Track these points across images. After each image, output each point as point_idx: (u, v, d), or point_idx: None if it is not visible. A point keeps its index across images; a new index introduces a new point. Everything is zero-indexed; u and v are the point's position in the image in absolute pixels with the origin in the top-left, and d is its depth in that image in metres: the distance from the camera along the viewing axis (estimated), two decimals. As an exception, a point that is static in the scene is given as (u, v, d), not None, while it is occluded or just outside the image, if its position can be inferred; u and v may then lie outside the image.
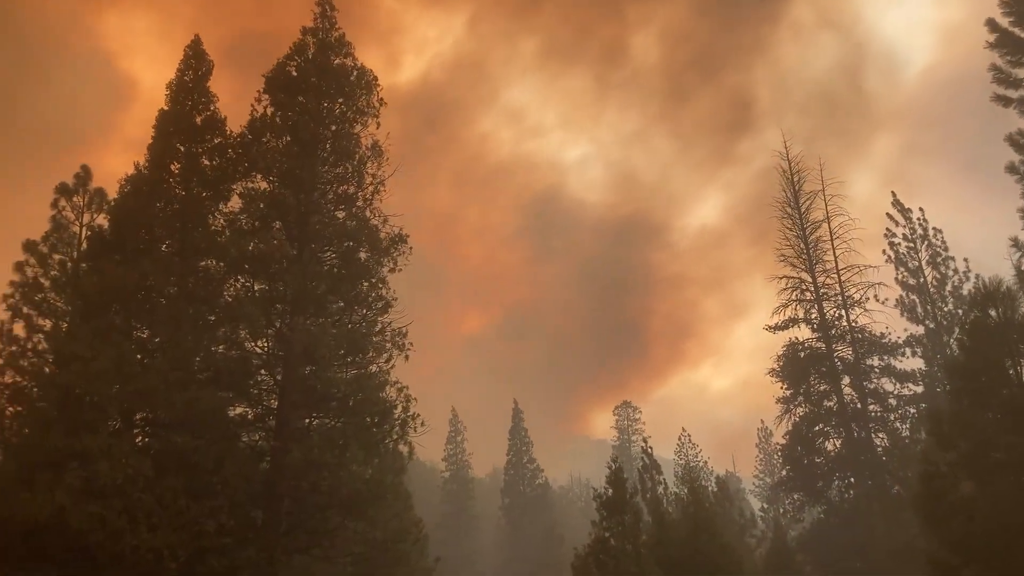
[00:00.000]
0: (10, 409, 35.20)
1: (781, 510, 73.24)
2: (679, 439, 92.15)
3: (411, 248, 37.77)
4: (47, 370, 35.71)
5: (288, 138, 37.96)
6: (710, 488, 59.33)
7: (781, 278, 58.12)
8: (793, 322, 57.26)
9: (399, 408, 35.57)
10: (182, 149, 37.51)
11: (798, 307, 57.44)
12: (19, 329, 36.65)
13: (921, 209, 60.31)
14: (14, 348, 35.76)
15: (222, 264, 36.23)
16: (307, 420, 36.21)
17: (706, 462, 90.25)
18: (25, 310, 36.64)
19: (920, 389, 54.87)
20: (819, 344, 56.53)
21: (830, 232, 57.83)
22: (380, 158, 38.50)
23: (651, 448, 47.48)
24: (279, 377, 35.97)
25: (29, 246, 36.63)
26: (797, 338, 57.11)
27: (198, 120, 37.94)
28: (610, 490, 34.33)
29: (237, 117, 38.49)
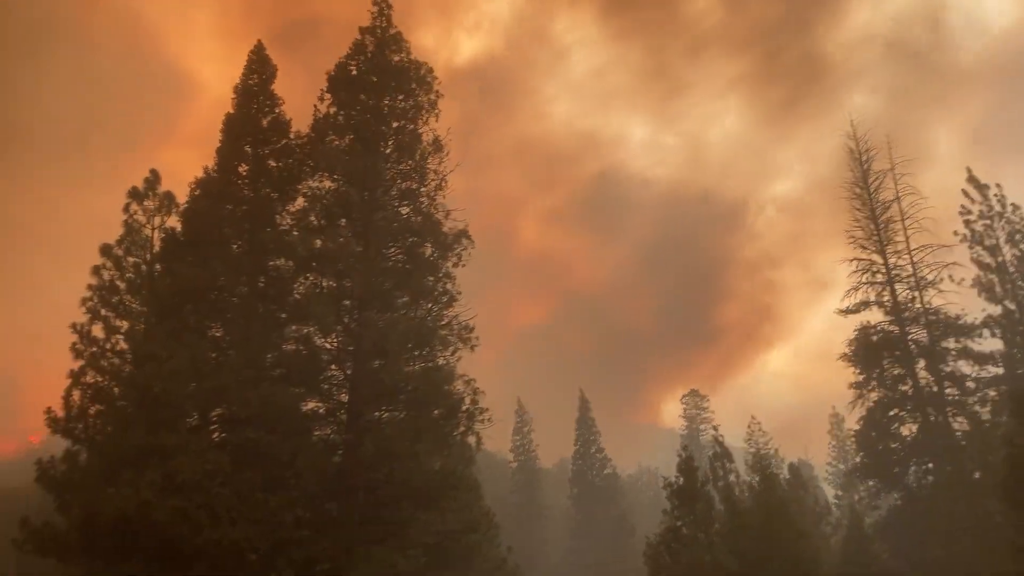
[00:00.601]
0: (93, 408, 36.49)
1: (856, 497, 71.82)
2: (749, 427, 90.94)
3: (474, 244, 37.94)
4: (126, 370, 36.92)
5: (351, 136, 38.47)
6: (782, 476, 58.46)
7: (851, 260, 56.84)
8: (865, 305, 55.94)
9: (467, 400, 35.84)
10: (249, 151, 38.28)
11: (869, 290, 56.10)
12: (98, 331, 38.00)
13: (998, 185, 58.26)
14: (94, 349, 37.08)
15: (291, 263, 36.91)
16: (377, 413, 36.72)
17: (776, 450, 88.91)
18: (103, 312, 37.97)
19: (1000, 371, 53.09)
20: (892, 327, 55.12)
21: (901, 212, 56.28)
22: (441, 153, 38.76)
23: (722, 436, 46.98)
24: (349, 372, 36.55)
25: (105, 250, 37.85)
26: (869, 321, 55.80)
27: (264, 123, 38.67)
28: (681, 479, 34.12)
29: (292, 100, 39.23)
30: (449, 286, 37.44)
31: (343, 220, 37.59)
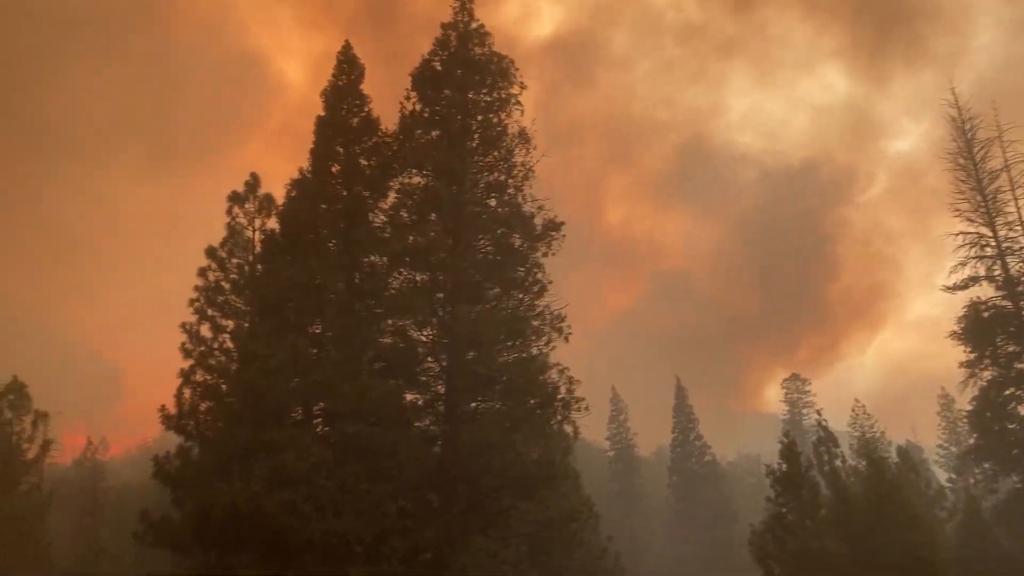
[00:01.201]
0: (203, 405, 37.99)
1: (972, 481, 68.94)
2: (853, 410, 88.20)
3: (563, 234, 37.86)
4: (233, 368, 38.29)
5: (437, 132, 38.87)
6: (890, 459, 56.52)
7: (957, 234, 54.46)
8: (974, 280, 53.55)
9: (562, 389, 35.86)
10: (341, 151, 39.09)
11: (978, 264, 53.65)
12: (206, 330, 39.50)
13: (1118, 147, 54.84)
14: (203, 348, 38.54)
15: (385, 258, 37.58)
16: (473, 404, 37.10)
17: (883, 432, 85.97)
18: (210, 312, 39.41)
19: None
20: (1005, 302, 52.59)
21: (1011, 181, 53.62)
22: (527, 144, 38.78)
23: (825, 420, 45.68)
24: (444, 364, 37.03)
25: (209, 252, 39.23)
26: (979, 297, 53.37)
27: (354, 122, 39.40)
28: (784, 465, 33.37)
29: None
30: (539, 276, 37.48)
31: (433, 215, 38.05)
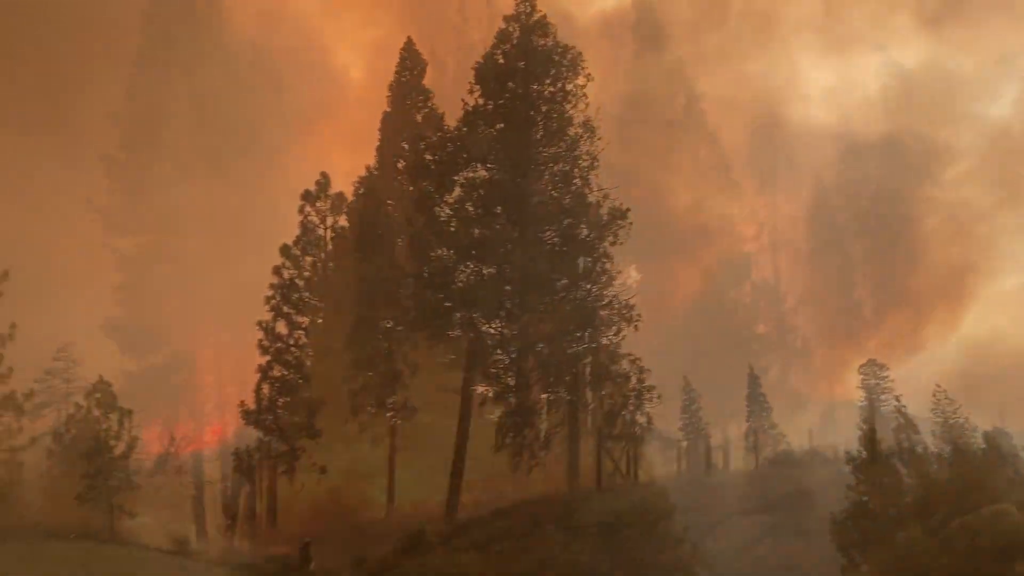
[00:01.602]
0: (280, 400, 38.79)
1: (1064, 467, 66.22)
2: (934, 395, 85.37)
3: (631, 222, 37.50)
4: (308, 363, 39.03)
5: (501, 124, 38.83)
6: (976, 446, 54.59)
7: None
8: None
9: (632, 379, 35.66)
10: (407, 147, 39.45)
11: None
12: (282, 327, 40.29)
13: None
14: (279, 345, 39.31)
15: (452, 252, 37.80)
16: (544, 396, 37.12)
17: (967, 419, 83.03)
18: (285, 309, 40.17)
19: None
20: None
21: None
22: (592, 133, 38.50)
23: (905, 407, 44.34)
24: (513, 356, 37.11)
25: (284, 250, 39.97)
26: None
27: (418, 118, 39.75)
28: (863, 452, 32.54)
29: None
30: (607, 266, 37.26)
31: (499, 207, 38.06)
